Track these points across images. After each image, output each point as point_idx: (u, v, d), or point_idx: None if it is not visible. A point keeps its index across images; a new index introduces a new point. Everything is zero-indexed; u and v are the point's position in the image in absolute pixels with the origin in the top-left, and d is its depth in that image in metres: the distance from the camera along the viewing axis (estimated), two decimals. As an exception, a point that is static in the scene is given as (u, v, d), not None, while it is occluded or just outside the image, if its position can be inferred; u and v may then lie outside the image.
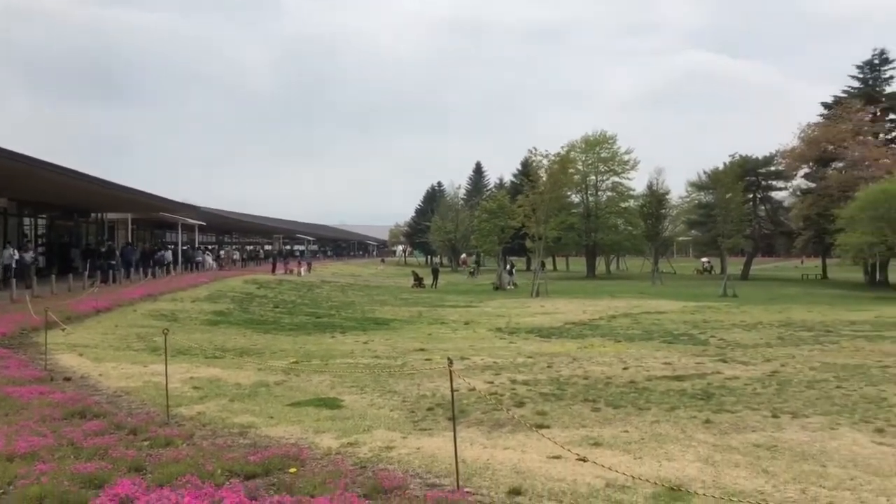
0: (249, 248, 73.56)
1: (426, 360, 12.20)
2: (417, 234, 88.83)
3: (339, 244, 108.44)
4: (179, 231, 44.08)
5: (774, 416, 7.48)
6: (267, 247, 78.04)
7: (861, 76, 55.67)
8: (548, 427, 7.10)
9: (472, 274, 54.53)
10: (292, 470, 5.34)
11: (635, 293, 35.36)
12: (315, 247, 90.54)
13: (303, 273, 45.31)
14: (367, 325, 19.18)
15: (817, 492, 5.11)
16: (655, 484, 5.05)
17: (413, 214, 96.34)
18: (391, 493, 4.84)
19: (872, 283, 49.72)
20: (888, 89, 54.90)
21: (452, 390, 5.36)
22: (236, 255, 58.06)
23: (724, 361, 11.56)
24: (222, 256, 52.86)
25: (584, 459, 5.36)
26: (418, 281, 41.89)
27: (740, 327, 17.45)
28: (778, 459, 5.91)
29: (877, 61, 55.13)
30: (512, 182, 73.15)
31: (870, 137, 51.82)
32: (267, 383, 9.38)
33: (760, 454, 6.07)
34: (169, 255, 38.78)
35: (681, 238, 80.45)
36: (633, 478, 5.11)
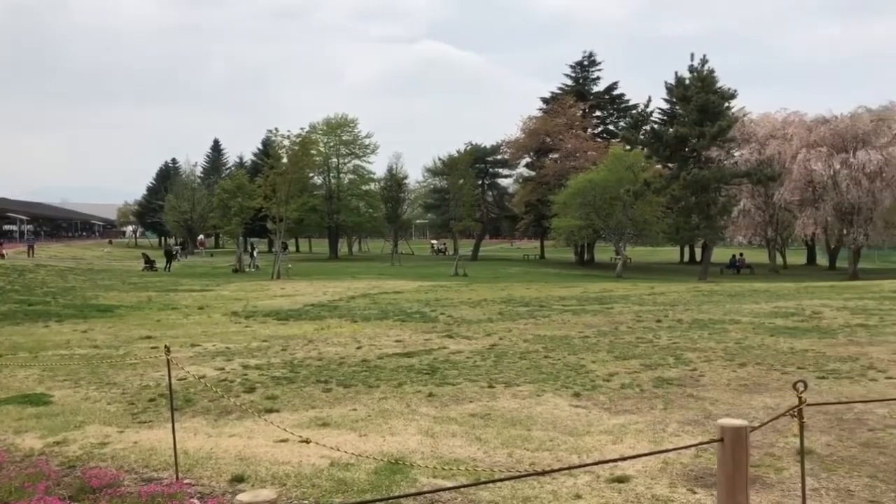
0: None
1: (152, 348, 11.54)
2: (150, 213, 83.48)
3: (58, 224, 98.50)
4: None
5: (490, 387, 8.10)
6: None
7: (573, 75, 61.64)
8: (277, 411, 7.08)
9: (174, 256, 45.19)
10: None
11: (375, 274, 36.23)
12: (30, 227, 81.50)
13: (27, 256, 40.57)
14: (89, 313, 17.67)
15: (522, 454, 5.63)
16: (378, 459, 5.26)
17: (145, 193, 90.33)
18: (101, 491, 4.55)
19: (581, 262, 55.52)
20: (595, 89, 61.38)
21: (170, 378, 5.16)
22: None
23: (451, 337, 12.27)
24: None
25: (306, 441, 5.43)
26: (150, 264, 39.42)
27: (467, 304, 18.57)
28: (490, 427, 6.42)
29: (586, 63, 61.35)
30: (253, 161, 71.32)
31: (580, 131, 57.57)
32: (-41, 382, 8.33)
33: (475, 423, 6.55)
34: None
35: (418, 221, 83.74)
36: (357, 455, 5.28)
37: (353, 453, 5.26)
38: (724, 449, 3.23)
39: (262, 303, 20.01)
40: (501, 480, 4.52)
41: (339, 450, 5.30)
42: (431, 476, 5.08)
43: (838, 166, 44.59)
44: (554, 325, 13.70)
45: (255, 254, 43.74)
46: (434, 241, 78.28)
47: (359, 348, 11.19)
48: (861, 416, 6.57)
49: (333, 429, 6.39)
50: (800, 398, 3.69)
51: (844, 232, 46.78)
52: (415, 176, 71.19)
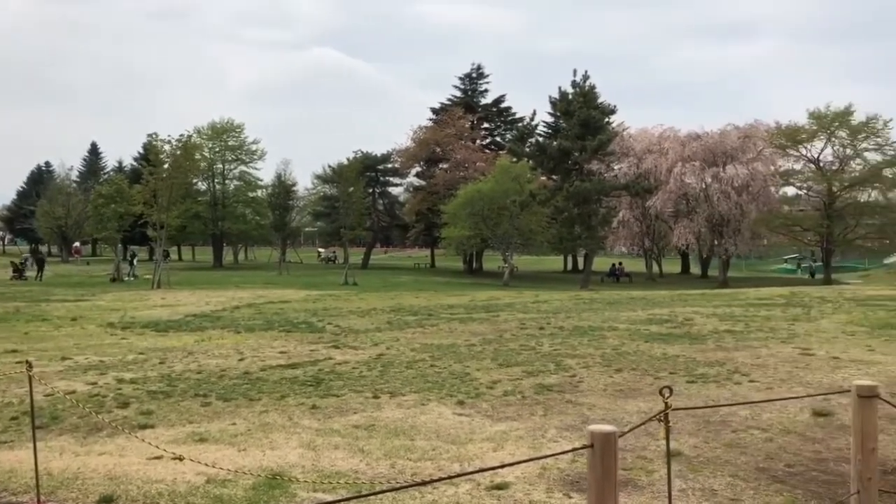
0: None
1: (17, 362, 10.84)
2: (20, 219, 78.60)
3: None
4: None
5: (375, 397, 8.08)
6: None
7: (462, 87, 62.60)
8: (152, 427, 6.80)
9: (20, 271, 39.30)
10: None
11: (262, 283, 35.45)
12: None
13: None
14: (-56, 326, 16.43)
15: (404, 465, 5.64)
16: (256, 475, 5.14)
17: (14, 198, 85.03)
18: (-49, 520, 4.24)
19: (470, 270, 56.26)
20: (483, 101, 62.54)
21: (32, 395, 4.88)
22: None
23: (337, 347, 12.15)
24: None
25: (179, 458, 5.24)
26: (19, 272, 37.08)
27: (356, 314, 18.46)
28: (374, 438, 6.40)
29: (475, 75, 62.44)
30: (132, 166, 68.39)
31: (469, 142, 58.46)
32: None
33: (359, 434, 6.51)
34: None
35: (308, 229, 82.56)
36: (235, 471, 5.14)
37: (230, 469, 5.12)
38: (594, 455, 3.34)
39: (141, 313, 19.21)
40: (382, 492, 4.52)
41: (215, 466, 5.15)
42: (311, 490, 5.02)
43: (710, 180, 47.18)
44: (441, 334, 13.81)
45: (134, 262, 41.93)
46: (321, 249, 77.46)
47: (241, 360, 10.92)
48: (726, 418, 6.96)
49: (211, 444, 6.21)
50: (666, 404, 3.87)
51: (716, 242, 49.49)
52: (304, 183, 70.39)
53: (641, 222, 52.24)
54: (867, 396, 4.55)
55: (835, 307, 18.43)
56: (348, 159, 58.86)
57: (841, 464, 5.47)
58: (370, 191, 62.52)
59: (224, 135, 60.71)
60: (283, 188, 58.26)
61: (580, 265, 55.59)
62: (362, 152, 61.95)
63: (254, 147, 61.87)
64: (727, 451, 5.96)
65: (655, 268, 55.99)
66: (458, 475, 5.01)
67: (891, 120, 44.85)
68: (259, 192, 62.94)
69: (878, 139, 45.35)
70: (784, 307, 18.61)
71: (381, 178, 65.06)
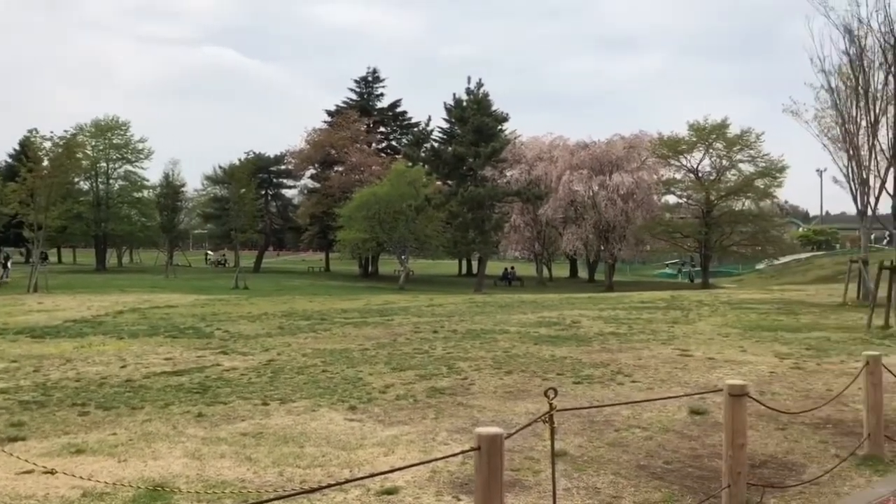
0: None
1: None
2: None
3: None
4: None
5: (265, 404, 7.92)
6: None
7: (358, 90, 62.35)
8: (24, 439, 6.43)
9: None
10: None
11: (147, 287, 34.10)
12: None
13: None
14: None
15: (293, 472, 5.55)
16: (137, 487, 4.95)
17: None
18: None
19: (366, 274, 56.01)
20: (379, 104, 62.47)
21: None
22: None
23: (226, 353, 11.84)
24: None
25: (52, 472, 4.99)
26: None
27: (246, 318, 18.04)
28: (262, 446, 6.27)
29: (370, 79, 62.31)
30: (8, 163, 64.36)
31: (365, 146, 58.24)
32: None
33: (246, 442, 6.37)
34: None
35: (197, 231, 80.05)
36: (114, 483, 4.93)
37: (108, 482, 4.91)
38: (481, 457, 3.41)
39: (15, 319, 18.10)
40: (269, 501, 4.43)
41: (92, 479, 4.93)
42: (195, 501, 4.87)
43: (597, 188, 48.86)
44: (334, 339, 13.69)
45: (8, 265, 39.45)
46: (209, 252, 75.32)
47: (123, 367, 10.48)
48: (609, 417, 7.22)
49: (89, 456, 5.92)
50: (551, 405, 4.00)
51: (602, 247, 51.29)
52: (194, 184, 68.18)
53: (532, 228, 53.47)
54: (737, 395, 4.84)
55: (711, 310, 19.44)
56: (240, 160, 57.53)
57: (715, 459, 5.77)
58: (263, 192, 61.26)
59: (108, 132, 58.04)
60: (170, 189, 56.19)
61: (474, 269, 56.33)
62: (255, 153, 60.66)
63: (140, 146, 59.48)
64: (610, 450, 6.18)
65: (546, 272, 57.40)
66: (348, 481, 4.98)
67: (763, 133, 47.82)
68: (145, 193, 60.52)
69: (752, 151, 48.24)
70: (665, 310, 19.47)
71: (275, 180, 63.92)
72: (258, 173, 58.21)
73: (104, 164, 58.54)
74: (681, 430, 6.87)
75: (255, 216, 54.27)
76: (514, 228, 52.33)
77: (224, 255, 70.94)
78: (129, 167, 59.85)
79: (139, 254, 79.34)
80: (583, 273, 61.56)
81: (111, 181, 59.21)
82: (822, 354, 11.51)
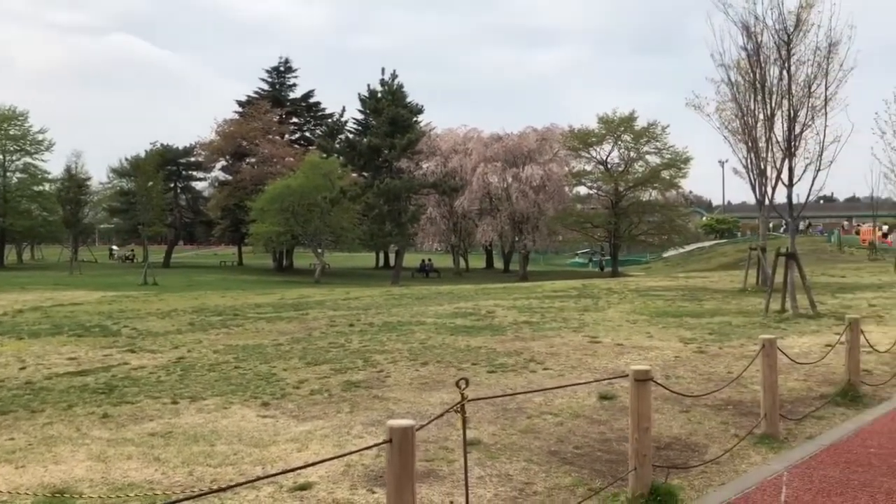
0: None
1: None
2: None
3: None
4: None
5: (174, 403, 7.72)
6: None
7: (270, 80, 61.19)
8: (-89, 449, 6.07)
9: None
10: None
11: (51, 284, 32.66)
12: None
13: None
14: None
15: (203, 471, 5.44)
16: (36, 493, 4.75)
17: None
18: None
19: (280, 268, 55.15)
20: (292, 95, 61.47)
21: None
22: None
23: (133, 351, 11.47)
24: None
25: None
26: None
27: (156, 315, 17.50)
28: (171, 445, 6.11)
29: (283, 69, 61.24)
30: None
31: (277, 137, 57.26)
32: None
33: (155, 443, 6.20)
34: None
35: (103, 225, 77.10)
36: (10, 491, 4.72)
37: (5, 490, 4.69)
38: (393, 449, 3.42)
39: None
40: (178, 502, 4.33)
41: (-12, 487, 4.70)
42: (100, 505, 4.72)
43: (510, 180, 49.53)
44: (247, 334, 13.44)
45: None
46: (115, 248, 72.74)
47: (23, 369, 10.01)
48: (522, 405, 7.35)
49: (-16, 463, 5.64)
50: (462, 395, 4.05)
51: (516, 238, 52.05)
52: (100, 177, 65.59)
53: (449, 220, 53.79)
54: (642, 380, 5.01)
55: (620, 298, 20.01)
56: (147, 152, 55.68)
57: (622, 443, 5.96)
58: (171, 185, 59.58)
59: (4, 123, 55.14)
60: (73, 182, 53.87)
61: (391, 261, 56.25)
62: (162, 144, 58.84)
63: (40, 137, 56.73)
64: (522, 437, 6.30)
65: (462, 263, 57.87)
66: (260, 478, 4.91)
67: (668, 126, 49.54)
68: (47, 186, 57.82)
69: (658, 143, 49.86)
70: (576, 298, 19.93)
71: (184, 172, 62.21)
72: (166, 165, 56.54)
73: (0, 157, 55.64)
74: (590, 415, 7.06)
75: (164, 209, 52.71)
76: (431, 220, 52.52)
77: (132, 250, 68.59)
78: (28, 159, 57.08)
79: (41, 250, 75.79)
80: (498, 264, 62.34)
81: (8, 174, 56.32)
82: (723, 339, 12.02)
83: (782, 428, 6.53)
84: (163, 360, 10.53)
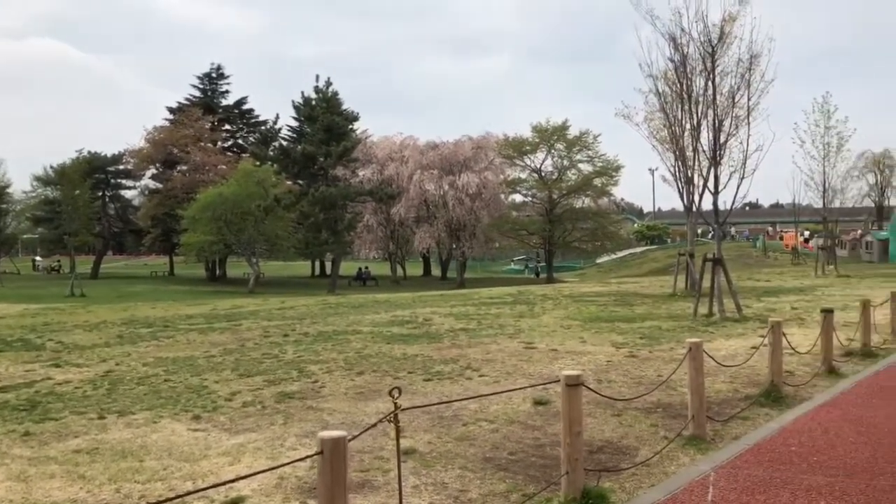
0: None
1: None
2: None
3: None
4: None
5: (101, 418, 7.49)
6: None
7: (201, 87, 60.04)
8: None
9: None
10: None
11: (-35, 298, 31.33)
12: None
13: None
14: None
15: (131, 488, 5.29)
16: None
17: None
18: None
19: (213, 278, 54.10)
20: (224, 102, 60.48)
21: None
22: None
23: (58, 366, 11.09)
24: None
25: None
26: None
27: (83, 328, 16.96)
28: (98, 462, 5.93)
29: (215, 75, 60.16)
30: None
31: (209, 144, 56.22)
32: None
33: (80, 460, 6.00)
34: None
35: (26, 236, 74.34)
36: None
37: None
38: (324, 460, 3.40)
39: None
40: (104, 520, 4.21)
41: None
42: (21, 527, 4.54)
43: (447, 187, 49.76)
44: (178, 346, 13.14)
45: None
46: (38, 259, 70.29)
47: (-63, 387, 9.57)
48: (457, 412, 7.38)
49: None
50: (395, 404, 4.04)
51: (454, 246, 52.30)
52: (22, 185, 63.14)
53: (386, 227, 53.69)
54: (573, 385, 5.10)
55: (555, 304, 20.29)
56: (73, 160, 53.95)
57: (556, 448, 6.03)
58: (99, 194, 57.87)
59: (-84, 128, 52.80)
60: (-8, 190, 51.88)
61: (328, 270, 55.78)
62: (89, 152, 57.11)
63: (-45, 143, 54.48)
64: (458, 445, 6.32)
65: (400, 271, 57.78)
66: (190, 493, 4.80)
67: (600, 135, 50.66)
68: (-36, 195, 55.50)
69: (590, 151, 50.85)
70: (512, 305, 20.13)
71: (113, 181, 60.46)
72: (93, 173, 54.93)
73: (-87, 164, 53.22)
74: (525, 420, 7.13)
75: (91, 219, 51.13)
76: (368, 228, 52.33)
77: (59, 261, 66.26)
78: (-58, 167, 54.75)
79: (-42, 262, 72.64)
80: (436, 271, 62.45)
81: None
82: (654, 343, 12.30)
83: (709, 429, 6.72)
84: (89, 374, 10.21)
